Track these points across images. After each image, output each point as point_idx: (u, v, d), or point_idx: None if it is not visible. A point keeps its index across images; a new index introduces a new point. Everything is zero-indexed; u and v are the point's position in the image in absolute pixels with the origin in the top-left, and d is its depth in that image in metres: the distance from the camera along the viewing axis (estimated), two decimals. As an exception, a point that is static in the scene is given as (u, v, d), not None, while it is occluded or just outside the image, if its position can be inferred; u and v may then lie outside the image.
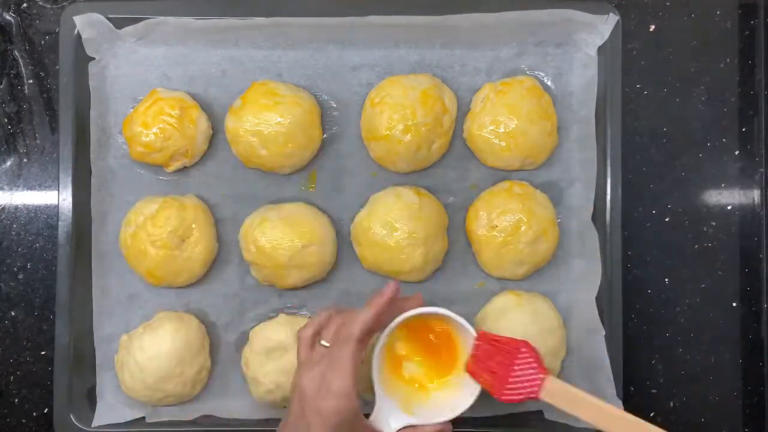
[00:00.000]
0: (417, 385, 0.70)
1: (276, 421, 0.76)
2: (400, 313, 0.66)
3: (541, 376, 0.63)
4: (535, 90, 0.78)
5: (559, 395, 0.62)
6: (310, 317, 0.65)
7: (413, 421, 0.66)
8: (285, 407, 0.77)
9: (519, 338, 0.66)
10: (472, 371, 0.67)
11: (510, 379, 0.64)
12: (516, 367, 0.64)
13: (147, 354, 0.74)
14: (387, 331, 0.66)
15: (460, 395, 0.67)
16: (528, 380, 0.63)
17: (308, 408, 0.60)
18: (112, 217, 0.79)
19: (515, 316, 0.76)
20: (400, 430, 0.65)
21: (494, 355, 0.66)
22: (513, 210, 0.77)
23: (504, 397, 0.64)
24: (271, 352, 0.75)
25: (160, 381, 0.74)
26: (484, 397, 0.78)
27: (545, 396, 0.62)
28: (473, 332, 0.67)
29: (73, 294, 0.77)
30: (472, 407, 0.77)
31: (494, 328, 0.76)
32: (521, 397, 0.64)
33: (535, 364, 0.63)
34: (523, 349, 0.64)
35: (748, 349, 0.83)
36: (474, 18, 0.77)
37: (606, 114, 0.79)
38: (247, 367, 0.77)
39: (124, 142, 0.79)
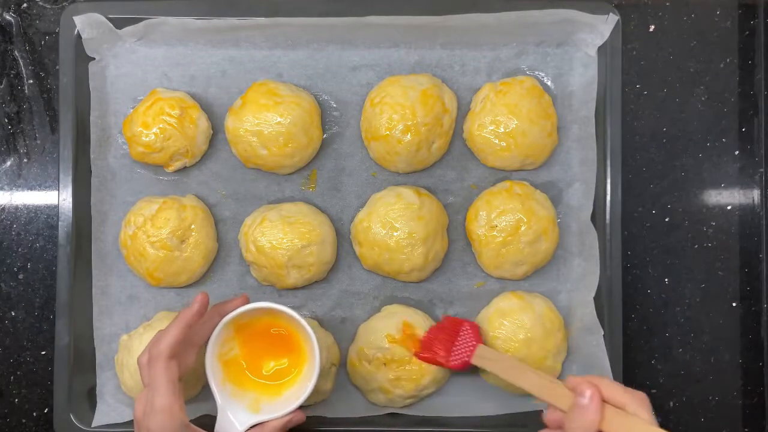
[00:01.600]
0: (267, 384, 0.69)
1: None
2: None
3: (474, 343, 0.74)
4: (535, 90, 0.78)
5: (488, 359, 0.72)
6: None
7: (261, 418, 0.66)
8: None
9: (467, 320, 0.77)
10: (419, 354, 0.75)
11: (453, 350, 0.75)
12: (457, 341, 0.75)
13: None
14: (213, 338, 0.66)
15: (307, 385, 0.67)
16: (465, 349, 0.74)
17: (141, 430, 0.61)
18: (112, 217, 0.79)
19: (516, 317, 0.76)
20: (247, 430, 0.65)
21: (439, 335, 0.76)
22: (513, 210, 0.77)
23: (450, 364, 0.74)
24: None
25: None
26: (486, 397, 0.78)
27: (476, 360, 0.73)
28: (302, 321, 0.66)
29: (73, 294, 0.77)
30: (473, 407, 0.78)
31: (494, 329, 0.76)
32: (459, 362, 0.74)
33: (472, 337, 0.75)
34: (466, 325, 0.76)
35: (748, 349, 0.83)
36: (474, 18, 0.77)
37: (606, 114, 0.79)
38: None
39: (124, 142, 0.79)
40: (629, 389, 0.57)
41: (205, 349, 0.66)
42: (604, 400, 0.56)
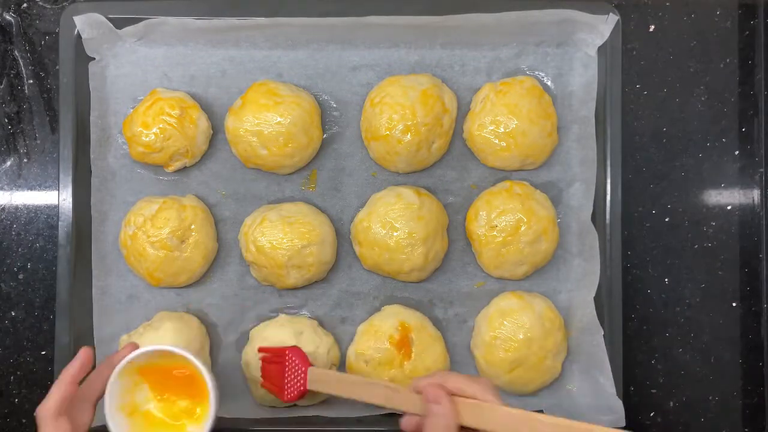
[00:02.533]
0: (175, 425, 0.67)
1: (276, 421, 0.77)
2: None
3: (304, 369, 0.70)
4: (535, 90, 0.78)
5: (322, 381, 0.69)
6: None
7: None
8: (285, 407, 0.77)
9: (288, 345, 0.73)
10: (264, 385, 0.73)
11: (285, 381, 0.71)
12: (286, 370, 0.71)
13: None
14: (108, 392, 0.64)
15: (209, 422, 0.65)
16: (298, 377, 0.70)
17: None
18: (112, 217, 0.79)
19: (515, 317, 0.76)
20: None
21: (272, 365, 0.73)
22: (513, 210, 0.77)
23: (286, 398, 0.71)
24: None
25: None
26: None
27: (311, 385, 0.69)
28: (194, 360, 0.64)
29: (73, 294, 0.77)
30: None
31: (494, 329, 0.76)
32: (295, 394, 0.70)
33: (299, 362, 0.70)
34: (288, 352, 0.71)
35: (748, 349, 0.83)
36: (474, 18, 0.76)
37: (606, 114, 0.79)
38: (248, 367, 0.77)
39: (124, 142, 0.79)
40: (473, 377, 0.59)
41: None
42: (453, 394, 0.58)
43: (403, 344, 0.75)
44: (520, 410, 0.56)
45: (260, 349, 0.75)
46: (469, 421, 0.58)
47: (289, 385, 0.71)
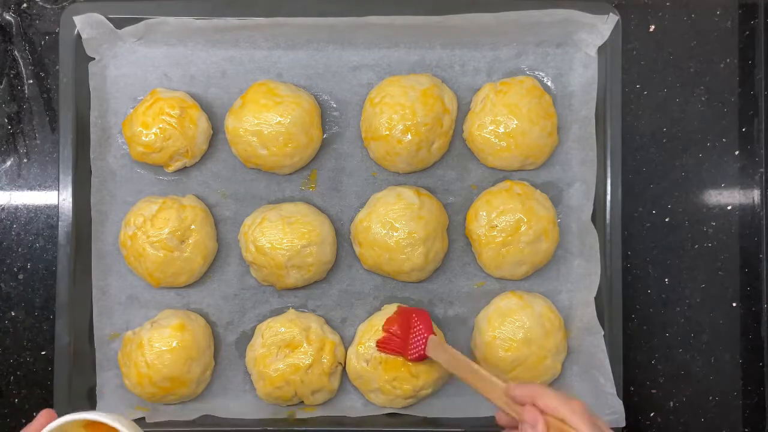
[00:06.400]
0: None
1: (276, 421, 0.77)
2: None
3: (426, 335, 0.73)
4: (535, 90, 0.78)
5: (438, 352, 0.71)
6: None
7: None
8: (291, 405, 0.77)
9: (418, 308, 0.76)
10: (381, 347, 0.75)
11: (410, 341, 0.74)
12: (411, 331, 0.74)
13: (156, 351, 0.74)
14: None
15: None
16: (419, 341, 0.73)
17: None
18: (112, 217, 0.79)
19: (515, 317, 0.76)
20: None
21: (394, 327, 0.75)
22: (513, 210, 0.77)
23: (410, 356, 0.73)
24: (281, 348, 0.75)
25: (167, 379, 0.74)
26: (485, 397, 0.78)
27: (430, 352, 0.72)
28: (114, 422, 0.60)
29: (73, 294, 0.77)
30: (472, 408, 0.78)
31: (494, 329, 0.76)
32: (416, 355, 0.73)
33: (423, 328, 0.73)
34: (415, 315, 0.74)
35: (748, 349, 0.83)
36: (474, 18, 0.76)
37: (606, 114, 0.79)
38: (254, 364, 0.76)
39: (124, 142, 0.79)
40: (567, 399, 0.59)
41: None
42: (542, 412, 0.59)
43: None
44: None
45: (398, 308, 0.77)
46: None
47: (412, 345, 0.73)
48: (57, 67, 0.80)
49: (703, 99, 0.83)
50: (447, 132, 0.79)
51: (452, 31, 0.78)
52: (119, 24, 0.77)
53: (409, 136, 0.76)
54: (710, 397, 0.83)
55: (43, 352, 0.82)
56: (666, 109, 0.83)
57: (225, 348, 0.79)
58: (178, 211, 0.76)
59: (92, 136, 0.78)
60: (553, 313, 0.78)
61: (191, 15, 0.77)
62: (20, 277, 0.82)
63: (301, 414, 0.78)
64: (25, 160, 0.83)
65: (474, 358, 0.78)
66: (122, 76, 0.79)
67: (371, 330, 0.76)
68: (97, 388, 0.78)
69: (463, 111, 0.80)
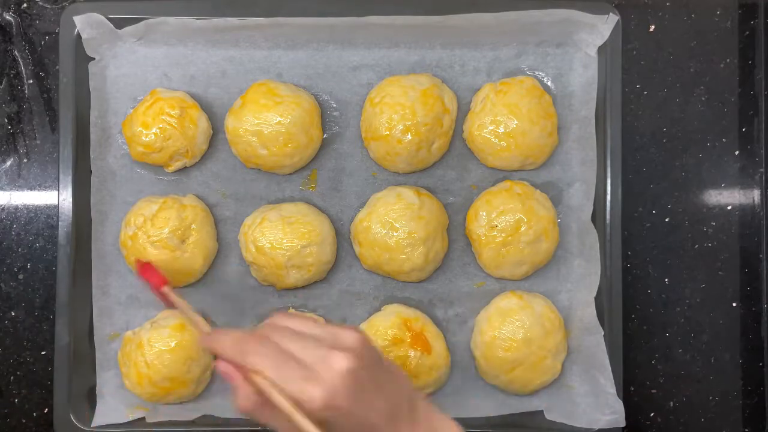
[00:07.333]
0: None
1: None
2: None
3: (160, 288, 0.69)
4: (535, 90, 0.78)
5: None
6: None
7: None
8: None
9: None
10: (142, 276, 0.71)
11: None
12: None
13: (156, 351, 0.74)
14: None
15: None
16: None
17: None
18: (112, 217, 0.79)
19: (515, 317, 0.76)
20: None
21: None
22: (513, 210, 0.77)
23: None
24: None
25: (167, 379, 0.74)
26: (486, 397, 0.78)
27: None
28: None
29: (73, 294, 0.77)
30: (473, 407, 0.78)
31: (494, 329, 0.76)
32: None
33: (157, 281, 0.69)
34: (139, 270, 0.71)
35: (748, 349, 0.83)
36: (474, 18, 0.76)
37: (606, 114, 0.79)
38: None
39: (124, 142, 0.79)
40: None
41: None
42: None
43: (419, 339, 0.75)
44: None
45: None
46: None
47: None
48: (57, 67, 0.80)
49: (703, 99, 0.83)
50: (447, 132, 0.79)
51: (452, 31, 0.78)
52: (119, 24, 0.77)
53: (409, 136, 0.76)
54: (710, 397, 0.83)
55: (43, 352, 0.82)
56: (666, 109, 0.83)
57: (225, 348, 0.79)
58: (179, 210, 0.76)
59: (92, 136, 0.78)
60: (553, 313, 0.78)
61: (191, 15, 0.77)
62: (20, 277, 0.82)
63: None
64: (25, 160, 0.83)
65: (474, 358, 0.79)
66: (122, 76, 0.79)
67: (372, 330, 0.76)
68: (97, 388, 0.78)
69: (463, 111, 0.80)
